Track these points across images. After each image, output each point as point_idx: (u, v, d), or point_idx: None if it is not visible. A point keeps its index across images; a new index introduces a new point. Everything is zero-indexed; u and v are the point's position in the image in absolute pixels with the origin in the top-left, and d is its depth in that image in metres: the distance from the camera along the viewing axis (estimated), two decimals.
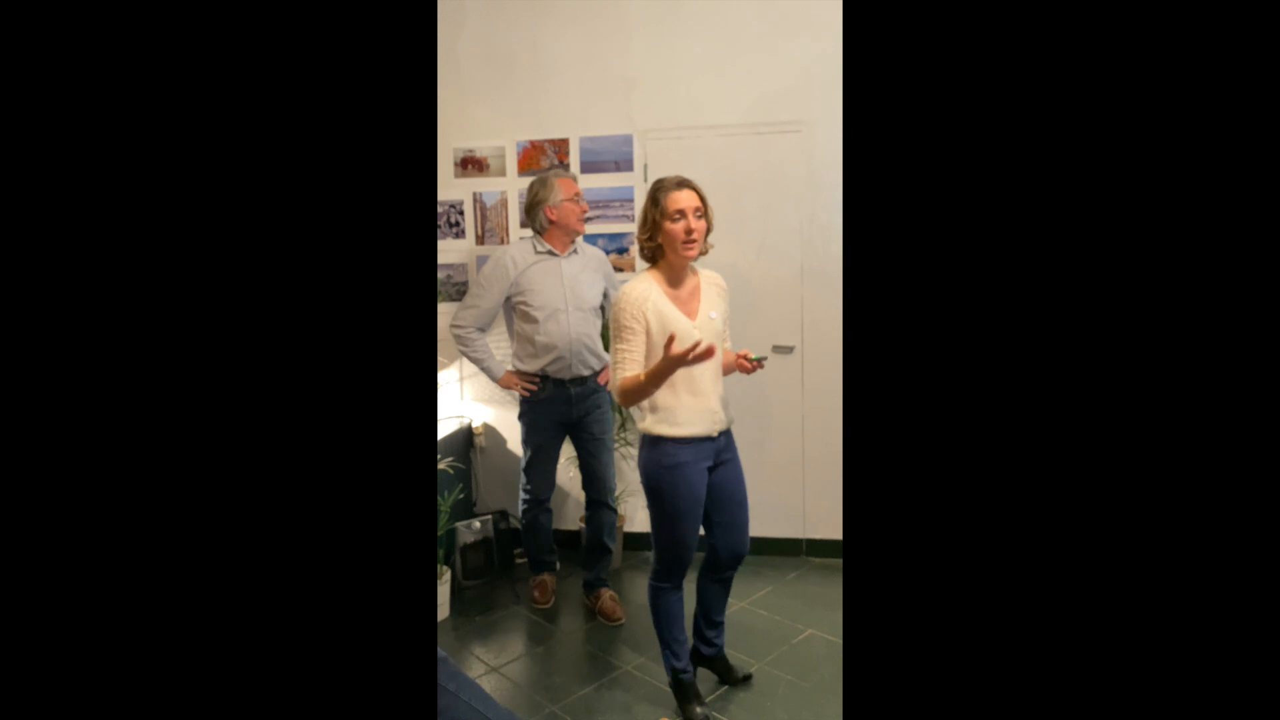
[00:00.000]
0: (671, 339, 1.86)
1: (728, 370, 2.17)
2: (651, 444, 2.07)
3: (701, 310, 2.09)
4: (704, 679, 2.39)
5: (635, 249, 3.29)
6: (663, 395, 2.03)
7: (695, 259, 2.05)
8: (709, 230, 2.06)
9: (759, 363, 2.05)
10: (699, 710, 2.20)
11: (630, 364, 1.99)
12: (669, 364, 1.85)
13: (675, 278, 2.07)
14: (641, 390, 1.96)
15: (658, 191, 2.02)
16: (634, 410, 2.11)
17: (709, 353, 1.81)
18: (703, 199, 2.04)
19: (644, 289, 2.02)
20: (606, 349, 2.96)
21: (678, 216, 1.99)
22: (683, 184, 2.03)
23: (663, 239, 2.02)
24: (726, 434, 2.14)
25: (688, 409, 2.05)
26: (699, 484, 2.08)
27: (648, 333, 2.00)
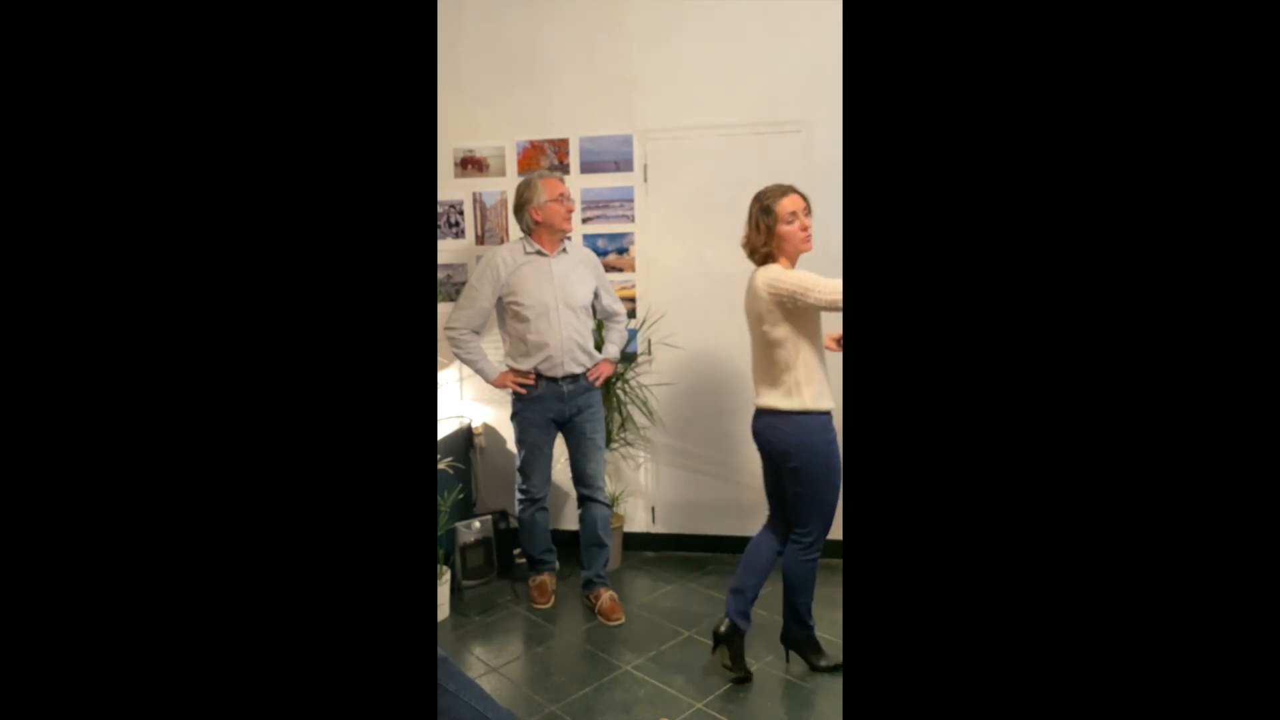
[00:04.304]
0: None
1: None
2: (807, 419, 2.21)
3: None
4: (697, 677, 2.40)
5: (635, 249, 3.31)
6: (817, 372, 2.22)
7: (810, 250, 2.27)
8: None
9: None
10: (822, 662, 2.42)
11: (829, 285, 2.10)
12: None
13: None
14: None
15: (767, 200, 2.21)
16: (775, 388, 2.24)
17: None
18: (805, 200, 2.24)
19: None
20: (597, 348, 2.98)
21: (791, 219, 2.19)
22: (788, 190, 2.22)
23: (776, 243, 2.21)
24: None
25: (829, 386, 2.24)
26: None
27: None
